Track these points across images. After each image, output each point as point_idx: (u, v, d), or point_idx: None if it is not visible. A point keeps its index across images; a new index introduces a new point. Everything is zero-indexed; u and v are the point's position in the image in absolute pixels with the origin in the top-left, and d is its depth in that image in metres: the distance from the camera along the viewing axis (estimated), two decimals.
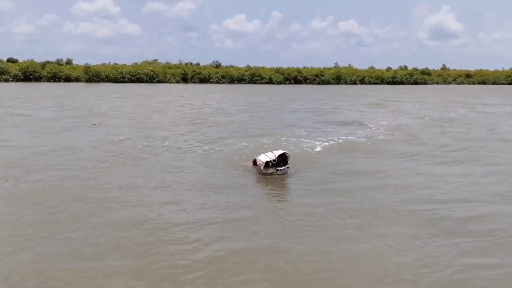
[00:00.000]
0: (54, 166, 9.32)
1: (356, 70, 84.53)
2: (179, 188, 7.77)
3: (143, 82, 68.15)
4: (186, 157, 10.58)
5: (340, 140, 13.43)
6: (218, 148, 11.73)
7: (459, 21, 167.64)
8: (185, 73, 73.16)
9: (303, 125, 17.04)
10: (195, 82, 72.06)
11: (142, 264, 4.82)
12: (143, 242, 5.39)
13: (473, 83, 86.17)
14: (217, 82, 72.75)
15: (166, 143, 12.44)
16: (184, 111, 22.82)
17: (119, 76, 68.44)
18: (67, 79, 66.58)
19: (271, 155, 8.44)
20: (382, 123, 18.07)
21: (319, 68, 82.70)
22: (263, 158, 8.45)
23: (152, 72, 70.17)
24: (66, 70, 67.78)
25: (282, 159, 8.57)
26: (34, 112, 19.88)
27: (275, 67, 78.78)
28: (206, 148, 11.77)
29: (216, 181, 8.22)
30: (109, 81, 67.26)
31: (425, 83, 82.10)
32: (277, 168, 8.42)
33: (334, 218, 6.34)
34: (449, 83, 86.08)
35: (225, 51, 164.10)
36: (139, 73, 69.73)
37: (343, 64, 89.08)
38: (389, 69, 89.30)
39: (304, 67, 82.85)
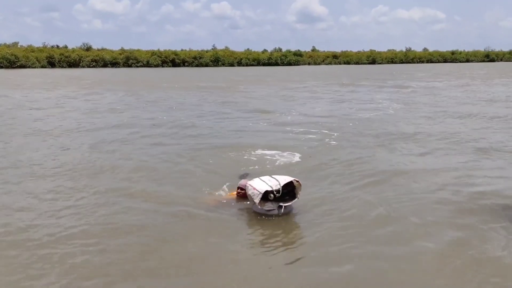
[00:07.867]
0: None
1: (233, 52, 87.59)
2: None
3: (2, 67, 62.75)
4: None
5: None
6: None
7: (323, 4, 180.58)
8: (51, 57, 69.01)
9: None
10: (63, 67, 68.40)
11: None
12: None
13: (340, 63, 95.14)
14: (88, 66, 69.98)
15: None
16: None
17: None
18: None
19: (272, 182, 5.26)
20: None
21: (197, 50, 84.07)
22: (259, 185, 5.24)
23: (12, 56, 64.83)
24: None
25: (288, 190, 5.41)
26: None
27: (151, 49, 78.19)
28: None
29: None
30: None
31: (297, 64, 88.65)
32: (281, 204, 5.24)
33: None
34: (319, 63, 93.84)
35: (95, 33, 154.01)
36: None
37: (220, 46, 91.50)
38: (264, 51, 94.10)
39: (182, 50, 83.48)
